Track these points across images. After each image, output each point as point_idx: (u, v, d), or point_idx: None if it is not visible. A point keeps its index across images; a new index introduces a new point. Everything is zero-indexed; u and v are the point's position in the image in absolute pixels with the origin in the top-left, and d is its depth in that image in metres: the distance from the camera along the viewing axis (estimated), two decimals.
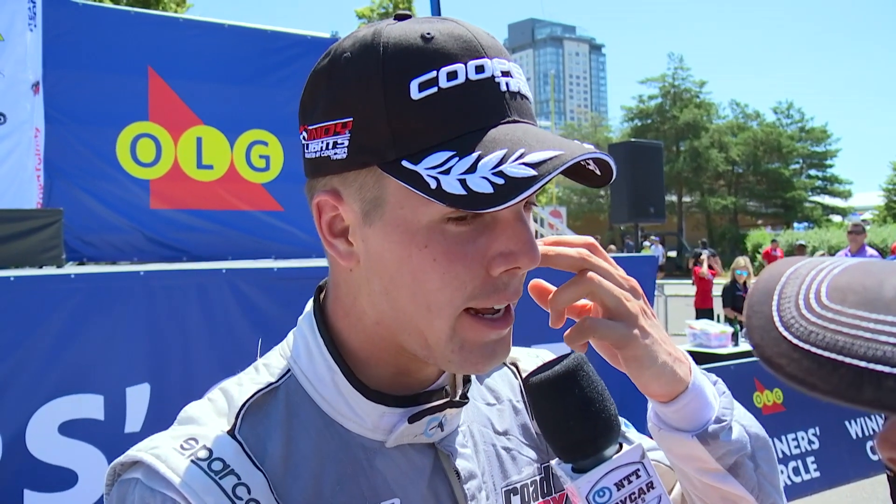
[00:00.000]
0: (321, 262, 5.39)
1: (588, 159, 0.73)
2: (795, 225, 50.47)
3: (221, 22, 7.48)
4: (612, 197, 8.69)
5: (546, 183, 0.67)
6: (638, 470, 0.67)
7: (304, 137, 0.79)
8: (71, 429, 3.34)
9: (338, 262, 0.81)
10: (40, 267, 4.33)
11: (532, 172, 0.67)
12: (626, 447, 0.69)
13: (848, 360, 0.43)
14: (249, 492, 0.71)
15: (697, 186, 52.61)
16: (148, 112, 6.77)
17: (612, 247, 22.66)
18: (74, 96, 6.41)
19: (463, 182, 0.68)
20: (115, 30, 6.66)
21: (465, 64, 0.72)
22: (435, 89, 0.70)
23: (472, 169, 0.68)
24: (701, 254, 16.71)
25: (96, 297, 3.49)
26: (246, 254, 6.66)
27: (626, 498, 0.66)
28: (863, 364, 0.42)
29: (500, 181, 0.67)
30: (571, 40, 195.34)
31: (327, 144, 0.75)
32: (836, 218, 52.22)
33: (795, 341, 0.46)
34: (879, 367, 0.42)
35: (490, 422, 0.94)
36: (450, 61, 0.71)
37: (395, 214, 0.74)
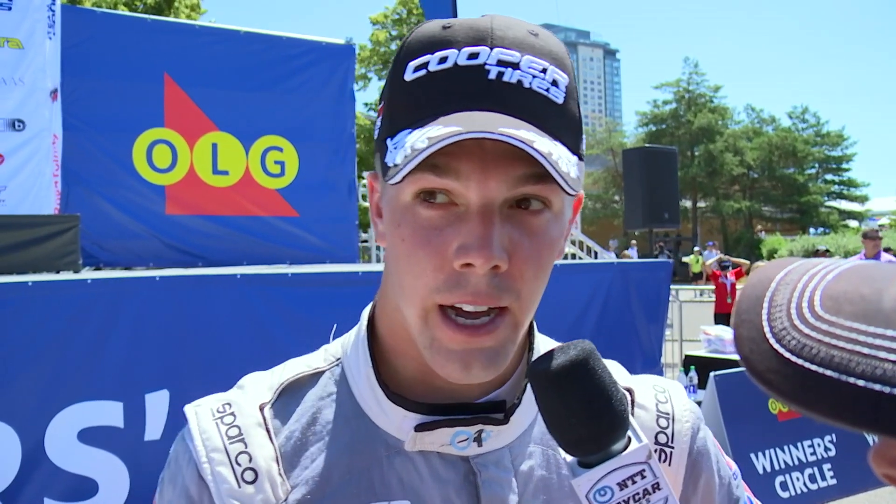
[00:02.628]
0: (335, 268, 5.40)
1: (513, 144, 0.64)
2: (811, 230, 50.04)
3: (237, 29, 7.54)
4: (627, 202, 8.66)
5: (429, 153, 0.63)
6: (643, 470, 0.64)
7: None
8: (90, 436, 3.33)
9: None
10: (57, 272, 4.37)
11: (425, 145, 0.64)
12: (632, 445, 0.66)
13: (844, 378, 0.40)
14: (251, 460, 0.76)
15: (712, 191, 52.27)
16: (164, 118, 6.84)
17: (627, 252, 22.57)
18: (92, 103, 6.48)
19: (398, 155, 0.67)
20: (131, 37, 6.74)
21: (460, 49, 0.70)
22: (424, 72, 0.70)
23: (402, 143, 0.68)
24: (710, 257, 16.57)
25: (113, 302, 3.51)
26: (261, 259, 6.70)
27: (629, 498, 0.64)
28: (861, 383, 0.39)
29: (408, 153, 0.65)
30: (586, 45, 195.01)
31: (377, 124, 0.77)
32: (853, 223, 51.71)
33: (788, 355, 0.42)
34: (878, 387, 0.38)
35: None
36: (446, 47, 0.70)
37: (389, 190, 0.74)
